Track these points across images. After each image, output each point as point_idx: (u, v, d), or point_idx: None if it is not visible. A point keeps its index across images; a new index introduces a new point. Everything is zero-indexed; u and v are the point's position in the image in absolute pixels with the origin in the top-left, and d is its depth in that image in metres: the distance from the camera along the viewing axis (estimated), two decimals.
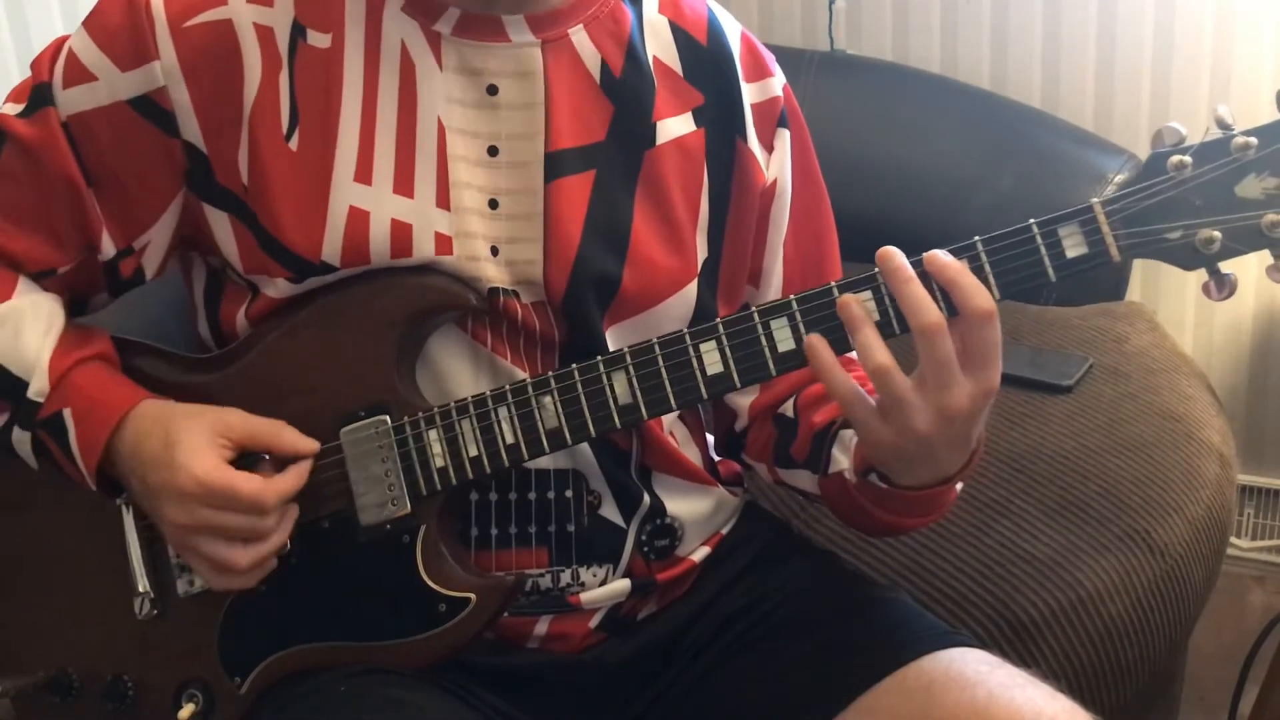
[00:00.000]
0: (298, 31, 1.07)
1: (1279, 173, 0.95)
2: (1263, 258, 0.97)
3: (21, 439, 1.09)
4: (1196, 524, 1.57)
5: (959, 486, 1.09)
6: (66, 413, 1.07)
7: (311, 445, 1.07)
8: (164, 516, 1.05)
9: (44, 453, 1.09)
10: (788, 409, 1.20)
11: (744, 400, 1.23)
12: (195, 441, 1.03)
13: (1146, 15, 2.22)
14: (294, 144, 1.06)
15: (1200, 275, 0.99)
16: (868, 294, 0.99)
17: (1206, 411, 1.77)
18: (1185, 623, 1.55)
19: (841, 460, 1.12)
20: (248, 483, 1.02)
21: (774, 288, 1.21)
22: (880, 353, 0.97)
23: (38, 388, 1.07)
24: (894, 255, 0.97)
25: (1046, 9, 2.29)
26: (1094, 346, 1.90)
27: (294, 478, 1.05)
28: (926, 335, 0.96)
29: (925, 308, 0.96)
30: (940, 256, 0.97)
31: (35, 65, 1.10)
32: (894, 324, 0.99)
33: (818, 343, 0.99)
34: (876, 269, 0.99)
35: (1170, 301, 2.33)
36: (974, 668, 1.06)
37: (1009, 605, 1.41)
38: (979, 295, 0.96)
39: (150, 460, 1.04)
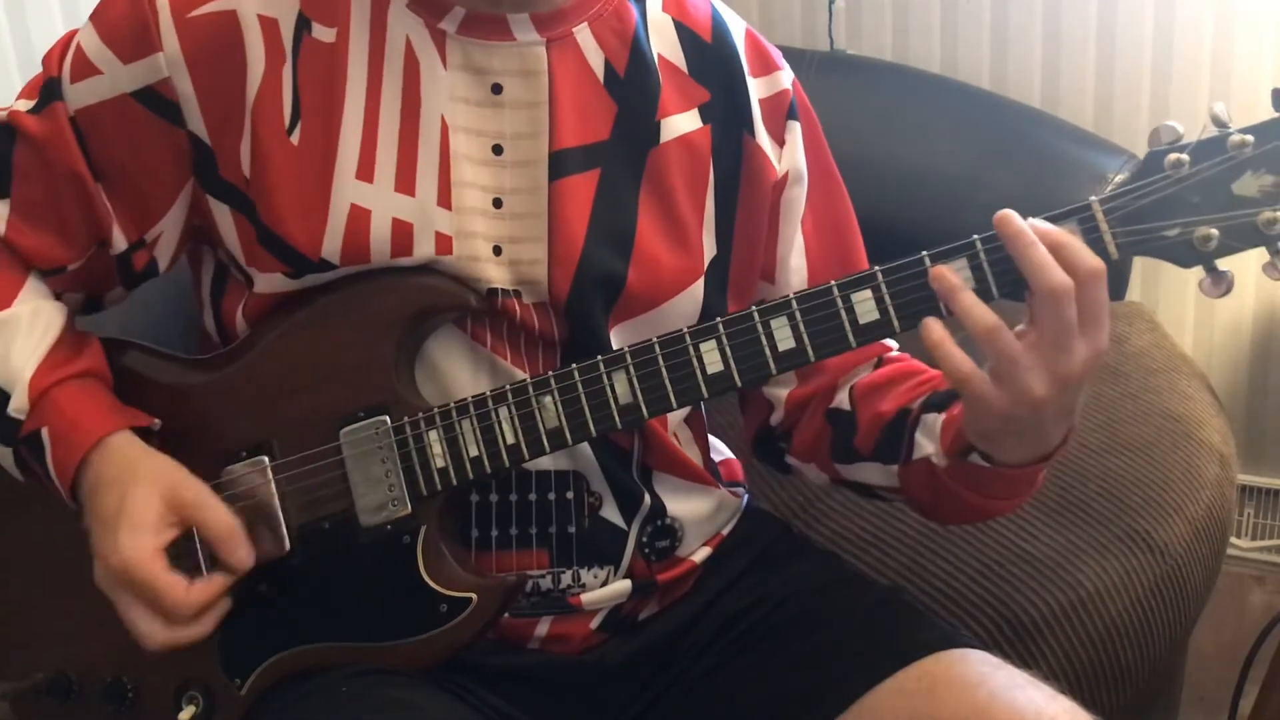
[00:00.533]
0: (303, 24, 1.07)
1: (1275, 170, 0.95)
2: (1261, 255, 0.97)
3: (4, 453, 1.09)
4: (1196, 524, 1.57)
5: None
6: (44, 432, 1.06)
7: (245, 564, 1.05)
8: (95, 570, 1.05)
9: (27, 469, 1.09)
10: (843, 402, 1.19)
11: (781, 391, 1.22)
12: (141, 519, 1.02)
13: (1146, 15, 2.22)
14: (295, 138, 1.06)
15: (1198, 273, 0.99)
16: (867, 292, 0.99)
17: (1206, 411, 1.77)
18: (1185, 623, 1.54)
19: (926, 445, 1.10)
20: (170, 588, 1.01)
21: (794, 283, 1.19)
22: (988, 313, 0.96)
23: (17, 405, 1.07)
24: (1013, 219, 0.96)
25: (1046, 9, 2.29)
26: None
27: (218, 585, 1.04)
28: (1056, 297, 0.94)
29: (1053, 271, 0.94)
30: (1042, 224, 0.96)
31: (46, 61, 1.11)
32: (894, 323, 0.99)
33: (932, 322, 0.97)
34: (876, 269, 0.99)
35: (1170, 301, 2.32)
36: (975, 668, 1.06)
37: (1009, 605, 1.41)
38: (1088, 255, 0.95)
39: (100, 518, 1.04)
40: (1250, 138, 0.95)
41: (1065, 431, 1.03)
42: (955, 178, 2.14)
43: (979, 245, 0.98)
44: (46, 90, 1.09)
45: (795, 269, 1.20)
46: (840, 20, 2.44)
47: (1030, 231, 0.95)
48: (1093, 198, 0.98)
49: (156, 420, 1.10)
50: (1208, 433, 1.72)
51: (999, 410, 0.98)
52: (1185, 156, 0.96)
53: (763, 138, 1.16)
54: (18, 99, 1.11)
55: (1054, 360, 0.95)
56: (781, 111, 1.18)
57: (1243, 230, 0.96)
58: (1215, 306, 2.30)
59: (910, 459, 1.12)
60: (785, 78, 1.19)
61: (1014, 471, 1.05)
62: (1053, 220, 0.97)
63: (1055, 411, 0.99)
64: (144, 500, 1.03)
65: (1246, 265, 1.00)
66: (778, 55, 1.20)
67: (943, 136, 2.21)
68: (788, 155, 1.18)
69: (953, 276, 0.97)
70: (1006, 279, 0.97)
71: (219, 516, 1.05)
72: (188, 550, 1.05)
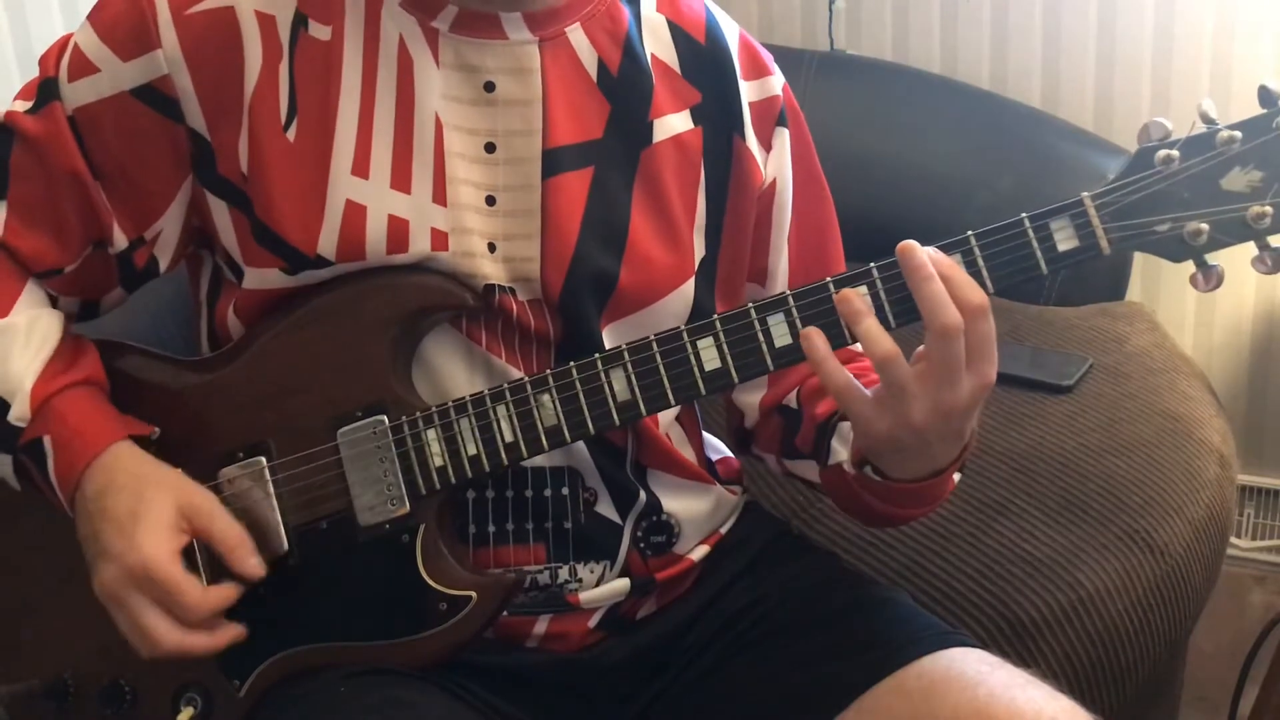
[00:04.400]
0: (299, 21, 1.07)
1: (1263, 165, 0.97)
2: (1251, 250, 0.98)
3: (3, 461, 1.09)
4: (1196, 524, 1.57)
5: (956, 477, 1.09)
6: (46, 440, 1.07)
7: (256, 573, 1.05)
8: (98, 574, 1.04)
9: (25, 476, 1.09)
10: (791, 400, 1.21)
11: (753, 398, 1.23)
12: (159, 520, 1.02)
13: (1146, 15, 2.22)
14: (291, 135, 1.06)
15: (1191, 268, 1.00)
16: (863, 288, 1.00)
17: (1206, 411, 1.77)
18: (1185, 623, 1.54)
19: (840, 451, 1.13)
20: (190, 587, 1.02)
21: (780, 285, 1.21)
22: (886, 341, 0.98)
23: (18, 413, 1.07)
24: (916, 252, 0.98)
25: (1046, 9, 2.29)
26: (1094, 346, 1.90)
27: (232, 591, 1.04)
28: (945, 335, 0.96)
29: (945, 307, 0.96)
30: (933, 253, 0.98)
31: (42, 61, 1.11)
32: (890, 319, 1.00)
33: (814, 334, 0.99)
34: (871, 265, 1.00)
35: (1170, 301, 2.32)
36: (974, 668, 1.06)
37: (1009, 605, 1.41)
38: (972, 290, 0.97)
39: (112, 520, 1.03)
40: (1238, 133, 0.97)
41: (958, 452, 1.05)
42: (955, 178, 2.14)
43: (876, 274, 1.00)
44: (43, 90, 1.09)
45: (781, 274, 1.21)
46: (840, 20, 2.45)
47: (930, 266, 0.97)
48: (1085, 193, 0.99)
49: (155, 429, 1.10)
50: (1208, 433, 1.72)
51: (880, 431, 1.00)
52: (1175, 152, 0.97)
53: (752, 141, 1.16)
54: (14, 100, 1.11)
55: (939, 392, 0.98)
56: (771, 117, 1.18)
57: (1232, 225, 0.97)
58: (1215, 306, 2.30)
59: (827, 463, 1.14)
60: (776, 83, 1.19)
61: (908, 486, 1.07)
62: (1046, 216, 0.99)
63: (939, 436, 1.01)
64: (161, 503, 1.03)
65: (1246, 264, 1.00)
66: (770, 60, 1.20)
67: (943, 136, 2.22)
68: (774, 162, 1.18)
69: (859, 301, 0.99)
70: (902, 308, 0.99)
71: (231, 526, 1.05)
72: (192, 561, 1.05)
